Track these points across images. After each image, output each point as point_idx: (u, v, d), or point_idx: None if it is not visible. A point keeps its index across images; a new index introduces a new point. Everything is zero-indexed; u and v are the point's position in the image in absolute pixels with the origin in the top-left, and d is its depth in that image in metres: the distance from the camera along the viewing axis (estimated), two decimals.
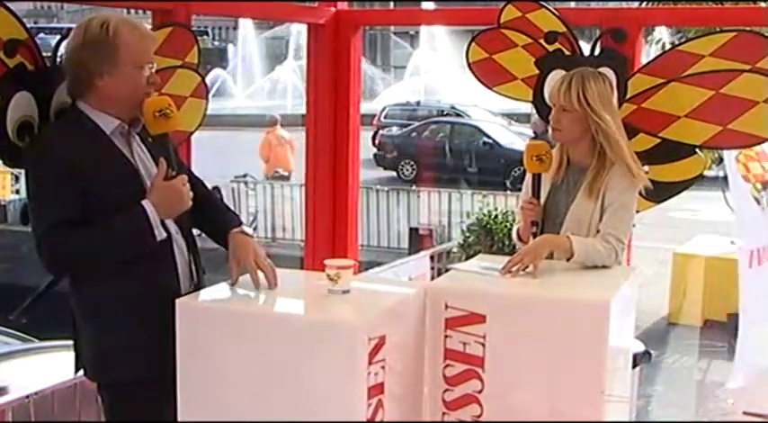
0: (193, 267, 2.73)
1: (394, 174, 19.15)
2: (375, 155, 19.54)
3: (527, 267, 2.81)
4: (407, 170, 19.29)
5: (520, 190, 3.43)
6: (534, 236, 3.15)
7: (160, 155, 2.63)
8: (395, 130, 20.49)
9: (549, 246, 2.93)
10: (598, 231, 3.03)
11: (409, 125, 20.80)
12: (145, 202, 2.54)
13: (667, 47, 8.53)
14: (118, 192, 2.55)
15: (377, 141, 20.07)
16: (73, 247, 2.49)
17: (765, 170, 5.16)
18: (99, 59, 2.52)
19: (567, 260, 2.91)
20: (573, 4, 14.65)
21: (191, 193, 2.63)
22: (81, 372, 2.79)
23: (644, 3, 8.51)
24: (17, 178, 14.31)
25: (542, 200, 3.20)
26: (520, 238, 3.27)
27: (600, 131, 3.06)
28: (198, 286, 2.72)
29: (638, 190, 3.14)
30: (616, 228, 3.00)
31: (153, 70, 2.62)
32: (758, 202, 5.15)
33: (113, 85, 2.54)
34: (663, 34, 9.01)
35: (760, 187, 5.15)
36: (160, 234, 2.56)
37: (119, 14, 2.65)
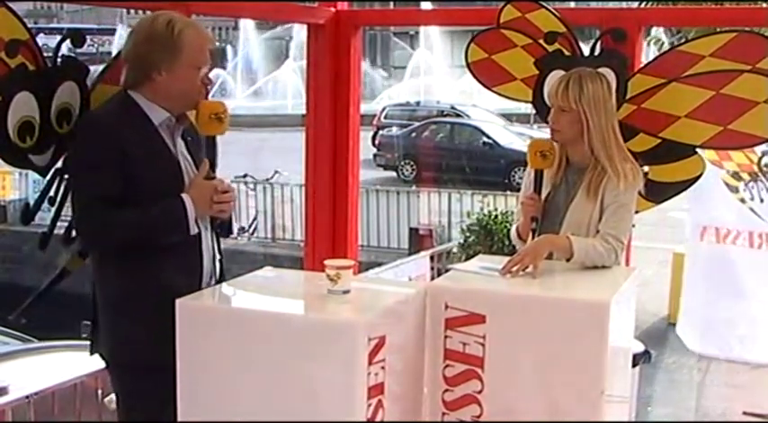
0: (217, 264, 2.78)
1: (394, 174, 19.17)
2: (375, 155, 19.56)
3: (527, 267, 2.81)
4: (407, 170, 19.32)
5: (519, 190, 3.43)
6: (533, 232, 3.16)
7: (198, 153, 2.72)
8: (395, 131, 20.51)
9: (549, 246, 2.93)
10: (598, 231, 3.04)
11: (409, 125, 20.83)
12: (185, 196, 2.62)
13: (666, 46, 8.54)
14: (159, 181, 2.62)
15: (377, 142, 20.08)
16: (112, 224, 2.56)
17: (752, 161, 5.24)
18: (161, 56, 2.60)
19: (567, 260, 2.91)
20: (573, 5, 14.66)
21: (229, 203, 2.71)
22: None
23: (644, 3, 8.51)
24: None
25: (542, 198, 3.21)
26: (519, 237, 3.27)
27: (592, 132, 3.07)
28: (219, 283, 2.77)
29: (637, 189, 3.14)
30: (615, 228, 3.01)
31: (207, 71, 2.70)
32: (734, 189, 5.38)
33: (170, 81, 2.63)
34: (661, 34, 9.01)
35: (747, 177, 5.27)
36: (193, 228, 2.63)
37: (181, 15, 2.74)
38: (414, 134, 19.96)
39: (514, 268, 2.80)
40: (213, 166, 2.72)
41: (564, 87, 3.08)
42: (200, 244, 2.71)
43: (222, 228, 2.84)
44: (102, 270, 2.71)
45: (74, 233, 2.76)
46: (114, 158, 2.54)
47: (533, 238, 3.12)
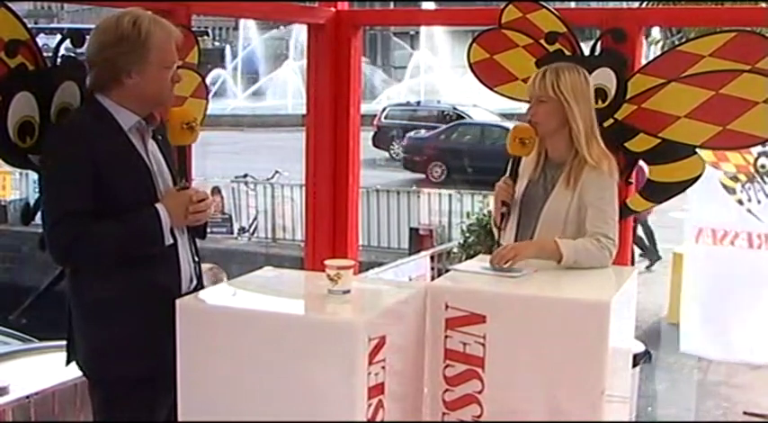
0: (195, 270, 2.74)
1: (423, 176, 19.15)
2: (404, 157, 19.81)
3: (509, 261, 2.84)
4: (437, 172, 19.30)
5: None
6: (503, 216, 3.17)
7: (170, 151, 2.66)
8: (423, 133, 20.59)
9: (534, 246, 2.96)
10: (587, 230, 3.02)
11: (411, 125, 20.94)
12: (159, 207, 2.56)
13: (661, 42, 8.53)
14: (130, 187, 2.57)
15: (404, 144, 20.24)
16: (86, 238, 2.49)
17: (749, 162, 5.24)
18: (129, 58, 2.54)
19: (558, 263, 2.90)
20: (573, 5, 14.67)
21: (205, 211, 2.67)
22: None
23: (644, 3, 8.51)
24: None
25: (518, 192, 3.20)
26: (495, 224, 3.29)
27: (575, 119, 3.07)
28: (198, 288, 2.73)
29: (616, 183, 3.13)
30: (602, 226, 3.00)
31: (176, 68, 2.64)
32: (731, 191, 5.40)
33: (141, 83, 2.57)
34: (656, 32, 9.00)
35: (744, 178, 5.28)
36: (168, 239, 2.58)
37: (145, 12, 2.63)
38: (443, 136, 19.98)
39: (495, 260, 2.86)
40: (188, 174, 2.66)
41: (541, 77, 3.11)
42: (177, 249, 2.66)
43: (197, 231, 2.78)
44: (77, 278, 2.64)
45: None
46: (88, 171, 2.48)
47: (504, 224, 3.18)
